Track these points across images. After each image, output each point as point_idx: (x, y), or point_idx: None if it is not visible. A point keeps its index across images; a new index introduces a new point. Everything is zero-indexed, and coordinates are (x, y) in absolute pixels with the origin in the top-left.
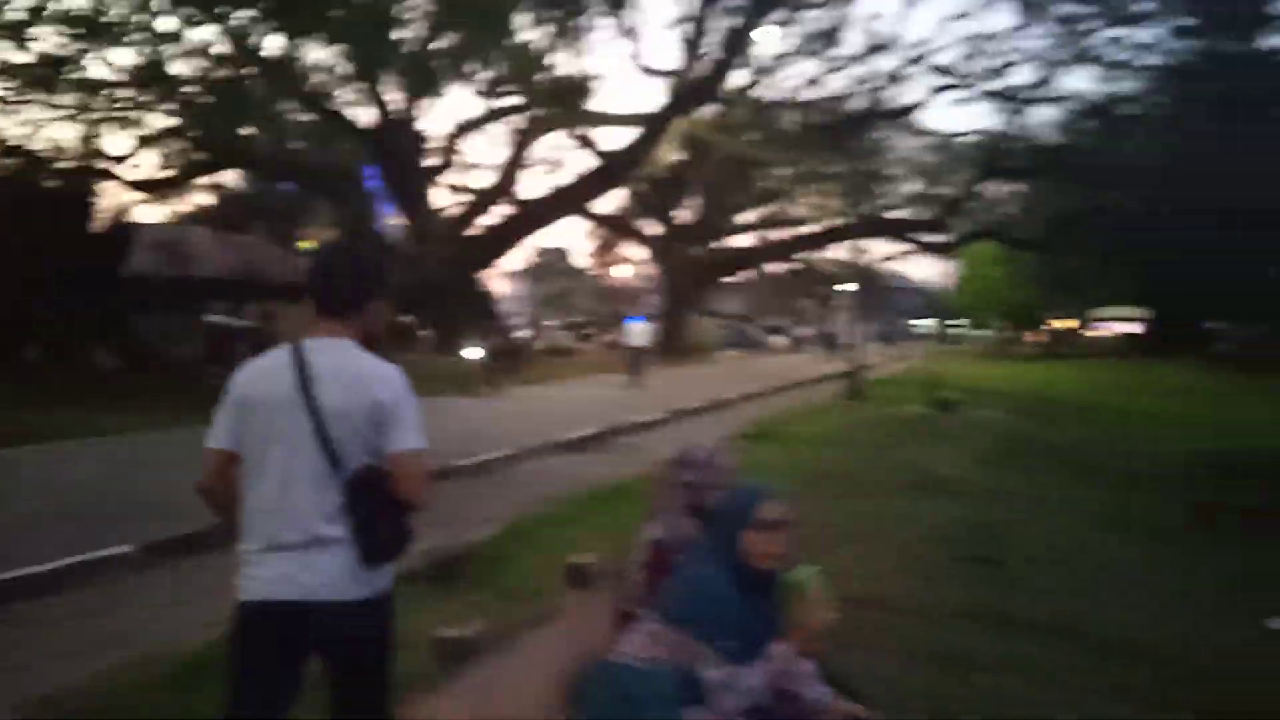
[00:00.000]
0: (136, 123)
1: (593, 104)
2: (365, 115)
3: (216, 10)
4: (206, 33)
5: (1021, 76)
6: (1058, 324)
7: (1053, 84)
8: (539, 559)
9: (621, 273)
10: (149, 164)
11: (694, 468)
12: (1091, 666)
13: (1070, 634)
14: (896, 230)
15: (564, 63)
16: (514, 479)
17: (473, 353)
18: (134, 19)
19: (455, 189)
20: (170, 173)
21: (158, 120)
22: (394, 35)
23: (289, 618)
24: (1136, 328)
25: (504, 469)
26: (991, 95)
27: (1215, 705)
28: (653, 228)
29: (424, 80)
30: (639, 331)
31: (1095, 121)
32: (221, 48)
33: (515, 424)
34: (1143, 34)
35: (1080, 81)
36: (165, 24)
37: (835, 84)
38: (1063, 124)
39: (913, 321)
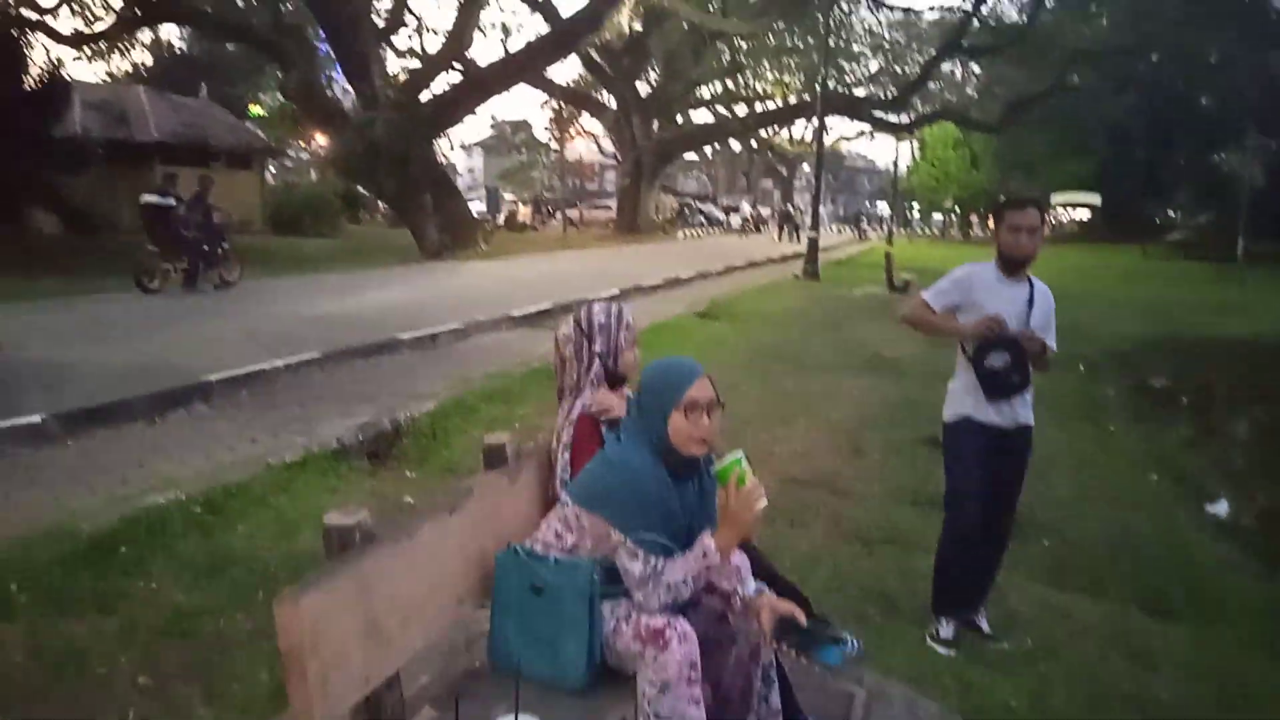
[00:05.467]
0: None
1: None
2: None
3: None
4: None
5: None
6: None
7: None
8: (481, 434)
9: (580, 147)
10: (82, 17)
11: (602, 333)
12: (1028, 549)
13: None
14: (856, 109)
15: None
16: (459, 353)
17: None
18: None
19: (406, 54)
20: (104, 26)
21: None
22: None
23: None
24: (1089, 214)
25: (450, 343)
26: None
27: (1149, 592)
28: (611, 101)
29: None
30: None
31: (1058, 1)
32: None
33: (464, 297)
34: None
35: None
36: None
37: None
38: (1025, 2)
39: (871, 203)
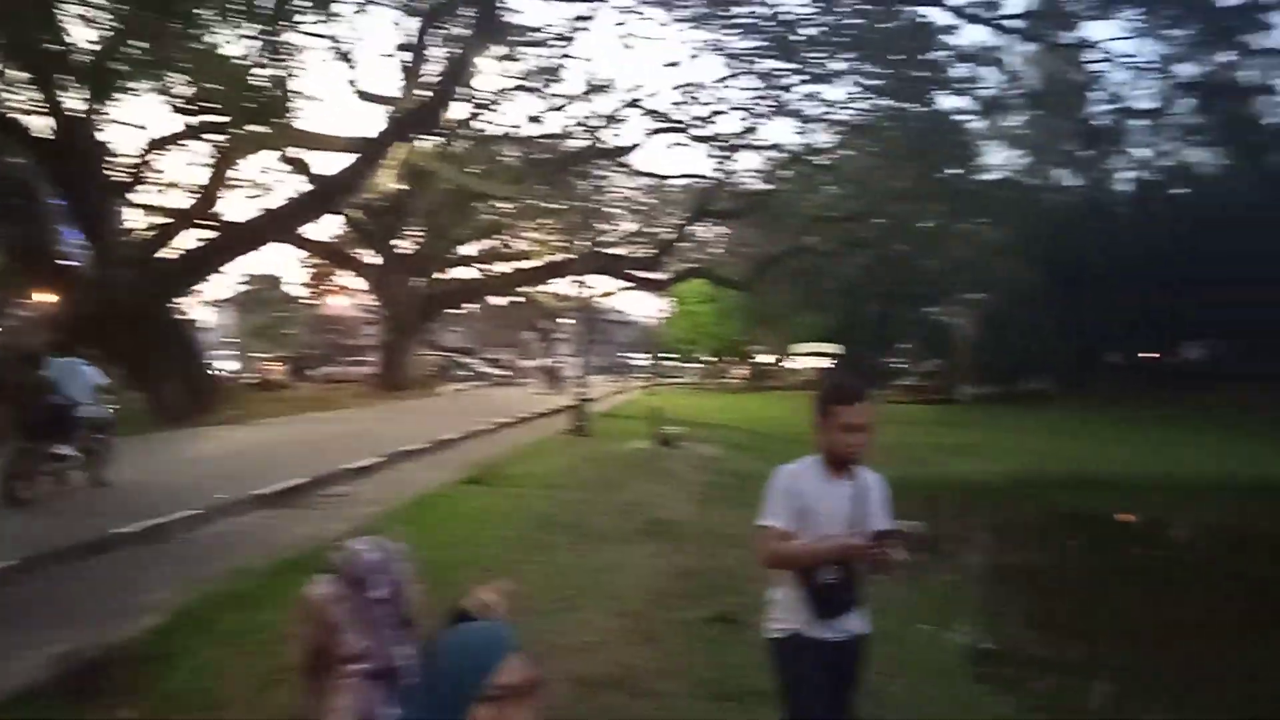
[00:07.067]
0: None
1: (305, 126)
2: (41, 124)
3: None
4: None
5: (729, 125)
6: (761, 358)
7: (756, 133)
8: (217, 653)
9: (338, 303)
10: None
11: (382, 575)
12: None
13: None
14: (614, 267)
15: (270, 80)
16: (196, 546)
17: None
18: None
19: (149, 209)
20: None
21: None
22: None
23: None
24: (829, 362)
25: (184, 532)
26: (702, 140)
27: None
28: (372, 257)
29: (104, 86)
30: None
31: (793, 170)
32: None
33: (206, 473)
34: (834, 91)
35: (781, 133)
36: None
37: (555, 122)
38: (765, 171)
39: (630, 355)
